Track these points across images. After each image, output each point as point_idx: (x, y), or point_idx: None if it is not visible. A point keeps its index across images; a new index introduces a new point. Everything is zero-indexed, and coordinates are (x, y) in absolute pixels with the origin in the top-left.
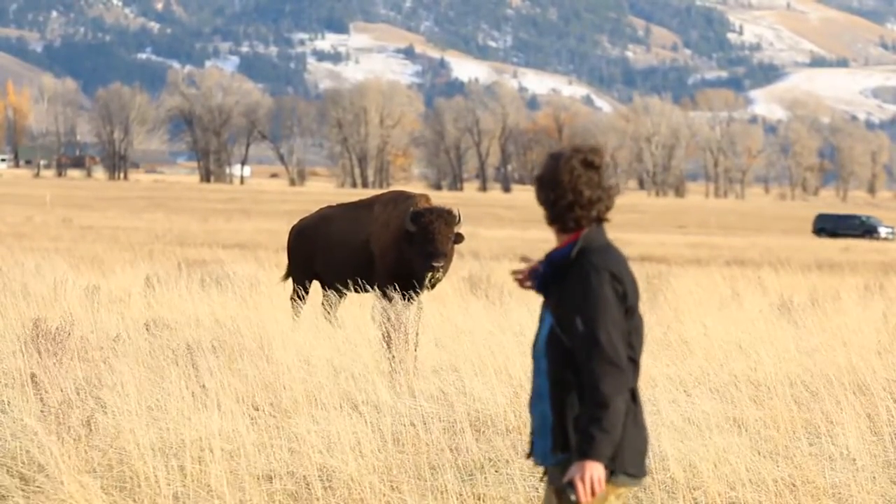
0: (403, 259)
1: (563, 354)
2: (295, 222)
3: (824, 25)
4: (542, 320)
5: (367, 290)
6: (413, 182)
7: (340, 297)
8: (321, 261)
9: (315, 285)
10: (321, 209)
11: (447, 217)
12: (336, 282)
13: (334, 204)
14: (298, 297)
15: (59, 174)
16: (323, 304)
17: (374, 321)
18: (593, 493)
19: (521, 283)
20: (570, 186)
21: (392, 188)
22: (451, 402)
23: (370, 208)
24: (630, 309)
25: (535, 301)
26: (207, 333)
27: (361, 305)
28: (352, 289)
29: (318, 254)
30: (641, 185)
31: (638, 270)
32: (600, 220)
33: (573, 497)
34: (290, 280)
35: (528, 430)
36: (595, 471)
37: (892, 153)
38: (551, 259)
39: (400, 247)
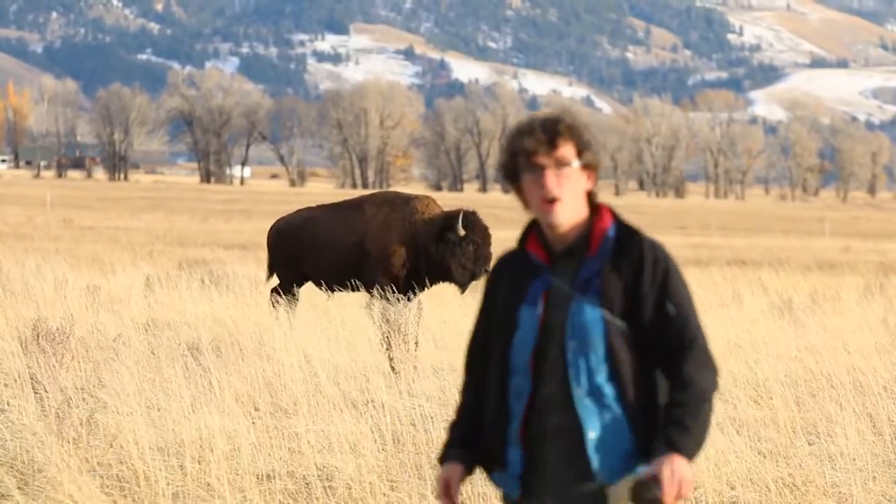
0: (421, 261)
1: (626, 349)
2: (273, 222)
3: (824, 26)
4: (566, 316)
5: (358, 290)
6: (413, 183)
7: (328, 295)
8: (311, 261)
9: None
10: (301, 210)
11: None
12: (325, 282)
13: (314, 205)
14: (282, 296)
15: (60, 175)
16: (278, 292)
17: (372, 321)
18: (679, 496)
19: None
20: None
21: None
22: (451, 402)
23: (360, 209)
24: None
25: None
26: (207, 333)
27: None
28: (337, 289)
29: (307, 255)
30: (642, 185)
31: None
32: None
33: (652, 494)
34: (274, 279)
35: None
36: (685, 469)
37: (893, 154)
38: (613, 237)
39: (421, 249)
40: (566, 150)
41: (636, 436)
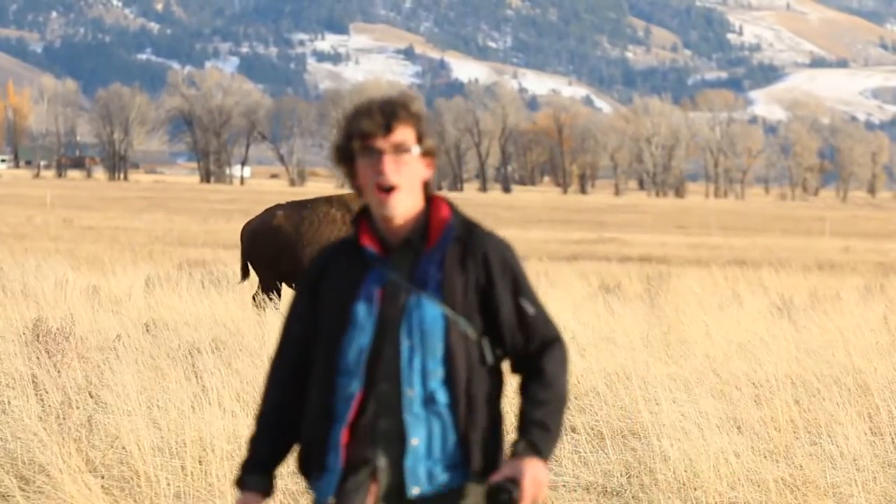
0: None
1: (467, 353)
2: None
3: (824, 26)
4: (404, 313)
5: None
6: None
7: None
8: (288, 261)
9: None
10: (271, 209)
11: None
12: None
13: (283, 203)
14: (270, 298)
15: (59, 175)
16: (259, 297)
17: None
18: (534, 498)
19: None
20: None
21: None
22: None
23: (344, 206)
24: None
25: None
26: (207, 333)
27: None
28: None
29: (285, 255)
30: (641, 185)
31: (638, 270)
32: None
33: (509, 497)
34: (249, 280)
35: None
36: (543, 472)
37: (892, 154)
38: (446, 230)
39: None
40: (406, 134)
41: (464, 447)
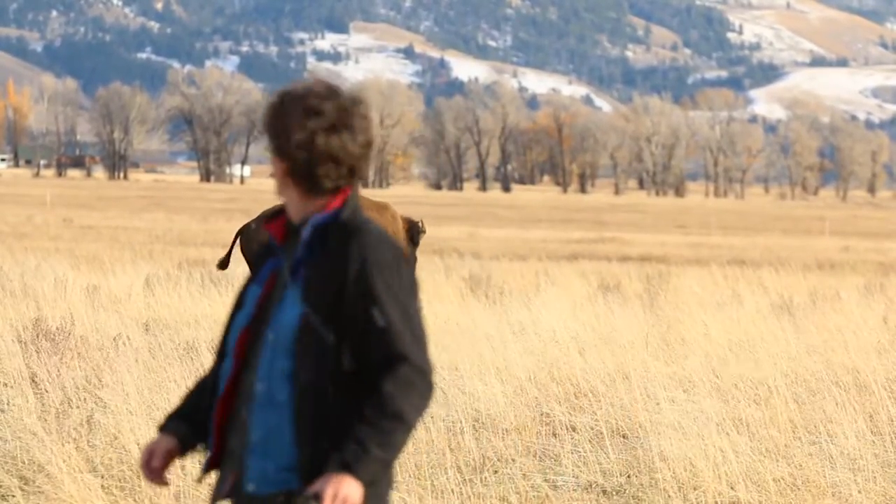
0: None
1: (319, 354)
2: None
3: (824, 25)
4: (276, 303)
5: None
6: (413, 182)
7: None
8: None
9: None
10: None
11: None
12: None
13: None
14: None
15: (59, 174)
16: None
17: None
18: None
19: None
20: (335, 127)
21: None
22: (451, 402)
23: None
24: None
25: (535, 301)
26: (207, 333)
27: None
28: None
29: None
30: (641, 184)
31: (638, 270)
32: (362, 180)
33: None
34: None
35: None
36: (352, 492)
37: (892, 153)
38: (315, 227)
39: None
40: (267, 139)
41: (300, 450)
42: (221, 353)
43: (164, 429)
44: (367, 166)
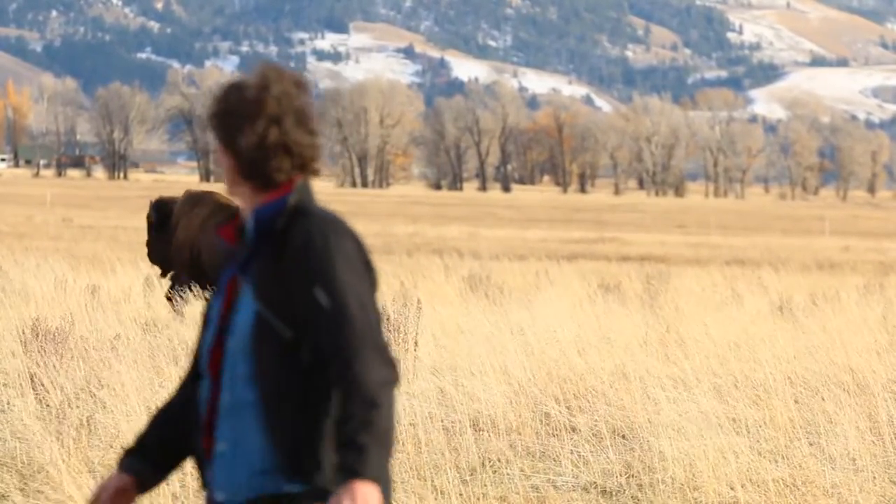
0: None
1: (279, 352)
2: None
3: (824, 25)
4: (232, 309)
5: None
6: (413, 181)
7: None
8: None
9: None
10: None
11: None
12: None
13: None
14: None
15: (59, 174)
16: (175, 296)
17: None
18: None
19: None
20: (281, 119)
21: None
22: (451, 402)
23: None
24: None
25: (535, 301)
26: None
27: None
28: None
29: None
30: (641, 184)
31: (638, 270)
32: (313, 171)
33: None
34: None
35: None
36: (370, 495)
37: (892, 153)
38: (259, 216)
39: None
40: (214, 134)
41: (278, 450)
42: (192, 377)
43: (120, 466)
44: (319, 154)
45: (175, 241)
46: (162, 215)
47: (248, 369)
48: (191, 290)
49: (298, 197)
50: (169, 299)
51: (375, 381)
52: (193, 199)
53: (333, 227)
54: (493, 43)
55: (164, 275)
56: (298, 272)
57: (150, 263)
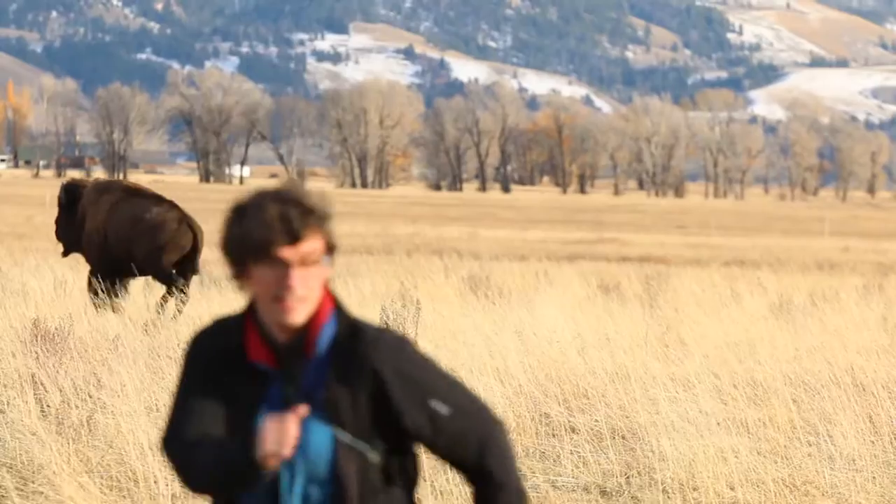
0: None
1: (364, 471)
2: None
3: (824, 25)
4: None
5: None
6: (413, 182)
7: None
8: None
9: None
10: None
11: None
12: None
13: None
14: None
15: (59, 174)
16: (104, 292)
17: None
18: None
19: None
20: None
21: (392, 188)
22: None
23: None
24: None
25: (534, 302)
26: None
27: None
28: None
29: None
30: (641, 185)
31: (638, 271)
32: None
33: None
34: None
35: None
36: None
37: (892, 153)
38: (325, 335)
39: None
40: (315, 244)
41: None
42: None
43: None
44: None
45: (85, 230)
46: (71, 197)
47: (327, 492)
48: (110, 283)
49: (347, 313)
50: (95, 293)
51: (516, 472)
52: (101, 187)
53: (394, 339)
54: (492, 44)
55: (65, 254)
56: (401, 395)
57: (55, 240)
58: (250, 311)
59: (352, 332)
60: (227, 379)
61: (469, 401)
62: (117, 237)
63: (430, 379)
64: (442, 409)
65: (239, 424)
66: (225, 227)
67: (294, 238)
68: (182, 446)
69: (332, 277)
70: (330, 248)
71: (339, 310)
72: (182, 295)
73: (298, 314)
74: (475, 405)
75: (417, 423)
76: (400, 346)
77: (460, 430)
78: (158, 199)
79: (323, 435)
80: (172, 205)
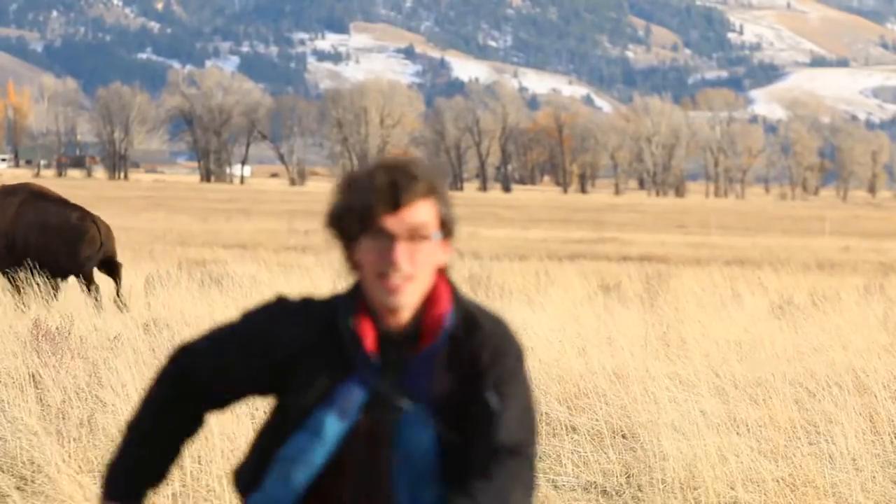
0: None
1: (457, 468)
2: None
3: (824, 25)
4: (388, 430)
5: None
6: None
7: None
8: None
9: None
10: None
11: None
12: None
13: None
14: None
15: (60, 174)
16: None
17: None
18: None
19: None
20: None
21: None
22: None
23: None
24: None
25: (535, 301)
26: None
27: None
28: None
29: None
30: (641, 185)
31: (638, 270)
32: None
33: None
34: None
35: None
36: None
37: (893, 153)
38: (446, 332)
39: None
40: (422, 216)
41: None
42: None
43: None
44: None
45: None
46: None
47: (435, 494)
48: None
49: (464, 301)
50: (18, 290)
51: (519, 497)
52: (6, 191)
53: (511, 339)
54: (493, 43)
55: None
56: (480, 380)
57: None
58: (358, 294)
59: (470, 323)
60: (302, 356)
61: (524, 420)
62: (26, 241)
63: (507, 378)
64: (493, 401)
65: (303, 401)
66: (331, 200)
67: (396, 204)
68: (191, 362)
69: (449, 263)
70: (444, 225)
71: (458, 300)
72: (97, 293)
73: (404, 296)
74: (523, 425)
75: (470, 405)
76: (510, 343)
77: (491, 429)
78: (64, 203)
79: (429, 435)
80: (77, 207)
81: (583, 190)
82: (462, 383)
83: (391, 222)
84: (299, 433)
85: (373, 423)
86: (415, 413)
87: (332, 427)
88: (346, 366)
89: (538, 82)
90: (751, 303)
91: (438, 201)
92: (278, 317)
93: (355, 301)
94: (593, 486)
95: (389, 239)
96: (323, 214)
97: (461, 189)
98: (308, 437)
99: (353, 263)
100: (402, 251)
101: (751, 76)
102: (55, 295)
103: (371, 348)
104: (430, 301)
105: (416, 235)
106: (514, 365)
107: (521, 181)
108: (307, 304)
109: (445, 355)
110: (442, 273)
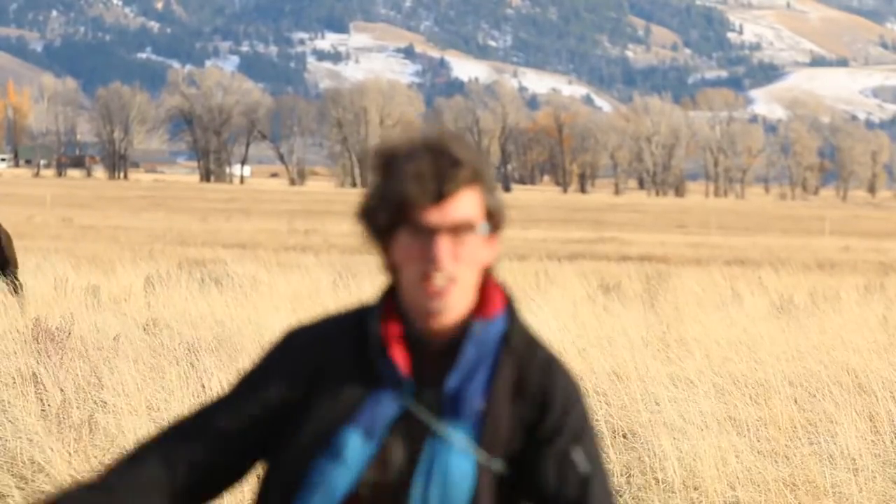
0: None
1: (494, 492)
2: None
3: (824, 25)
4: (423, 456)
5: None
6: None
7: None
8: None
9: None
10: None
11: None
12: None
13: None
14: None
15: (59, 174)
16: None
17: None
18: None
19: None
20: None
21: None
22: None
23: None
24: None
25: (535, 301)
26: (207, 333)
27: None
28: None
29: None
30: (641, 184)
31: (638, 270)
32: None
33: None
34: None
35: None
36: None
37: (893, 153)
38: (484, 342)
39: None
40: (469, 206)
41: None
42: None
43: None
44: None
45: None
46: None
47: None
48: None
49: (522, 318)
50: None
51: None
52: None
53: (573, 375)
54: (493, 43)
55: None
56: (560, 427)
57: None
58: (390, 299)
59: (528, 339)
60: (325, 372)
61: (602, 474)
62: None
63: (586, 429)
64: (582, 463)
65: (325, 420)
66: (366, 183)
67: (440, 195)
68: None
69: (497, 261)
70: (491, 217)
71: (511, 309)
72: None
73: (449, 300)
74: (604, 483)
75: (553, 466)
76: (574, 380)
77: (578, 493)
78: None
79: (467, 462)
80: None
81: (582, 190)
82: (528, 413)
83: (433, 215)
84: (317, 458)
85: (402, 445)
86: (455, 437)
87: (356, 448)
88: (374, 378)
89: (538, 82)
90: (751, 303)
91: (484, 189)
92: (295, 347)
93: (386, 306)
94: None
95: (430, 234)
96: (357, 205)
97: None
98: (327, 459)
99: (390, 263)
100: (445, 247)
101: (751, 76)
102: None
103: (402, 359)
104: (480, 306)
105: (460, 229)
106: (585, 411)
107: (521, 181)
108: (326, 321)
109: (508, 374)
110: (489, 274)
